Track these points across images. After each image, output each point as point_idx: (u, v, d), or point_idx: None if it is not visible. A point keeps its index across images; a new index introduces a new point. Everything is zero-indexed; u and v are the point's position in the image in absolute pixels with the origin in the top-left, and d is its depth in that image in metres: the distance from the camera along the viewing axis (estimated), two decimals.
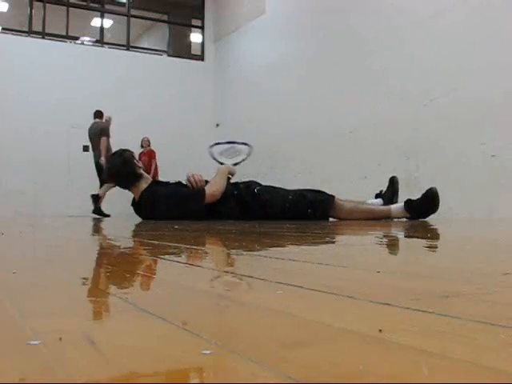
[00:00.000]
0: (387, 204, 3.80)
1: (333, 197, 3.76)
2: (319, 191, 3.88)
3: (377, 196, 4.03)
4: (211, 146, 4.38)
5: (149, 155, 9.17)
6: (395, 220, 3.67)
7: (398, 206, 3.67)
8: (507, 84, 5.92)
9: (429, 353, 0.32)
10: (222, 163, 4.16)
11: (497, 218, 5.49)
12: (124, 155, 3.78)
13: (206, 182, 3.89)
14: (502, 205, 5.88)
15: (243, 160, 4.29)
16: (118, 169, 3.73)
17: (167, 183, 3.85)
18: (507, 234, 2.37)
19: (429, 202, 3.63)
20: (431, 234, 2.19)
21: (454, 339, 0.35)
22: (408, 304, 0.47)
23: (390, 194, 3.96)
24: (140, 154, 9.27)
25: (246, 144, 4.49)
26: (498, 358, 0.31)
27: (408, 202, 3.64)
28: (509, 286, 0.62)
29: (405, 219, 3.65)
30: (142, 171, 3.77)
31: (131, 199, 3.92)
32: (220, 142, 4.53)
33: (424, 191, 3.71)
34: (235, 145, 4.48)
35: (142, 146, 9.51)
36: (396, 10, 7.48)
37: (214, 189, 3.69)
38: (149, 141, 9.51)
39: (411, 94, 7.07)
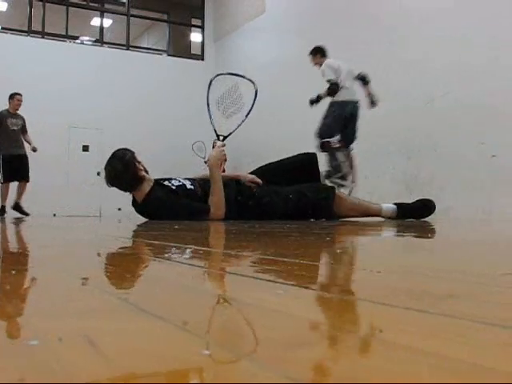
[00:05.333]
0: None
1: (333, 191, 3.70)
2: (319, 188, 3.73)
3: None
4: (213, 79, 3.89)
5: None
6: (393, 221, 3.67)
7: (388, 207, 3.72)
8: (507, 84, 5.92)
9: (429, 353, 0.32)
10: (213, 124, 3.71)
11: (497, 218, 5.50)
12: (124, 159, 3.54)
13: (205, 183, 3.65)
14: (501, 205, 5.89)
15: (238, 127, 3.72)
16: (117, 174, 3.52)
17: (170, 188, 3.60)
18: (507, 234, 2.37)
19: (422, 212, 3.72)
20: (431, 234, 2.19)
21: (454, 339, 0.35)
22: (408, 304, 0.47)
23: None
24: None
25: (251, 81, 3.90)
26: (498, 358, 0.31)
27: (400, 206, 3.71)
28: (509, 286, 0.62)
29: (391, 219, 3.71)
30: (143, 173, 3.56)
31: (131, 199, 3.83)
32: (223, 72, 4.01)
33: (421, 198, 3.83)
34: (241, 80, 3.91)
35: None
36: (396, 9, 7.48)
37: (219, 212, 3.49)
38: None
39: (411, 94, 7.07)
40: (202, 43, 12.94)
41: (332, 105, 6.27)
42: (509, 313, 0.45)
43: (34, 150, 8.28)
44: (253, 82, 3.94)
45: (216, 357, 0.32)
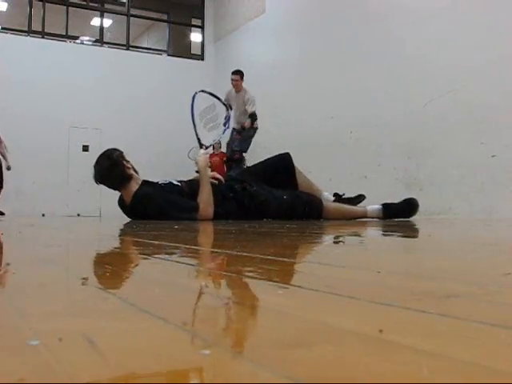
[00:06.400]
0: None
1: (321, 200, 3.92)
2: (308, 193, 3.97)
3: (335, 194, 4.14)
4: (198, 92, 4.26)
5: (220, 157, 9.17)
6: (390, 220, 3.68)
7: (374, 208, 3.87)
8: (507, 84, 5.92)
9: (429, 353, 0.32)
10: (196, 133, 4.04)
11: (497, 218, 5.50)
12: (112, 157, 3.66)
13: (192, 182, 3.81)
14: (501, 205, 5.89)
15: (214, 142, 4.24)
16: (105, 171, 3.62)
17: (159, 185, 3.74)
18: (507, 235, 2.37)
19: (407, 212, 3.85)
20: (431, 234, 2.19)
21: (454, 339, 0.35)
22: (408, 304, 0.47)
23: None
24: (211, 155, 9.38)
25: (226, 106, 4.40)
26: (498, 358, 0.31)
27: (386, 206, 3.85)
28: (509, 286, 0.63)
29: (377, 219, 3.83)
30: (131, 172, 3.65)
31: (118, 199, 3.85)
32: (206, 89, 4.41)
33: (406, 198, 3.97)
34: (217, 102, 4.36)
35: (213, 148, 9.61)
36: (396, 9, 7.48)
37: (208, 210, 3.62)
38: (220, 143, 9.47)
39: (411, 94, 7.07)
40: (202, 43, 12.93)
41: (251, 128, 8.01)
42: (509, 313, 0.45)
43: (9, 168, 9.18)
44: (227, 107, 4.43)
45: (216, 357, 0.32)
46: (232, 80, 8.16)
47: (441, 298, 0.52)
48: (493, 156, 6.06)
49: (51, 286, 0.67)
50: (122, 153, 3.75)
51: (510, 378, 0.27)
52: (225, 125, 4.32)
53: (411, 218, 3.76)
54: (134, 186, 3.64)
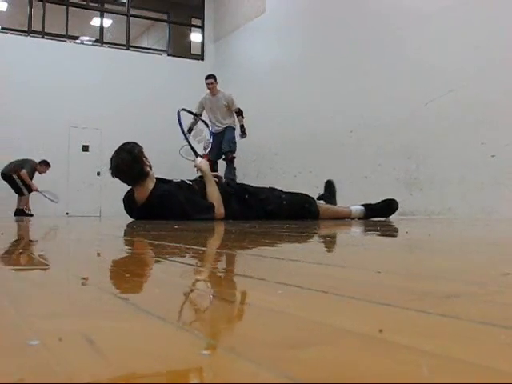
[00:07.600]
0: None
1: (314, 199, 4.07)
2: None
3: (318, 198, 4.31)
4: (181, 110, 4.44)
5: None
6: (388, 220, 3.69)
7: (357, 208, 4.02)
8: (507, 84, 5.92)
9: (429, 353, 0.32)
10: (187, 140, 4.25)
11: (497, 218, 5.49)
12: (134, 152, 3.60)
13: (196, 181, 3.91)
14: (501, 205, 5.88)
15: (206, 151, 4.45)
16: (126, 167, 3.54)
17: (174, 183, 3.77)
18: (507, 235, 2.37)
19: (386, 211, 4.04)
20: (431, 234, 2.19)
21: (454, 339, 0.35)
22: (408, 304, 0.47)
23: (329, 195, 4.27)
24: (204, 155, 9.57)
25: (206, 125, 4.66)
26: (498, 358, 0.31)
27: (367, 207, 4.03)
28: (509, 286, 0.63)
29: (358, 219, 3.99)
30: (148, 169, 3.63)
31: (121, 201, 3.84)
32: (186, 108, 4.63)
33: (385, 198, 4.13)
34: (197, 119, 4.67)
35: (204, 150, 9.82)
36: (396, 9, 7.48)
37: (221, 209, 3.70)
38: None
39: (411, 94, 7.06)
40: (202, 43, 12.93)
41: (234, 128, 8.29)
42: (509, 313, 0.45)
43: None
44: (207, 125, 4.70)
45: (216, 357, 0.32)
46: (207, 84, 8.39)
47: (441, 297, 0.52)
48: (493, 156, 6.06)
49: (51, 286, 0.67)
50: (141, 148, 3.70)
51: (510, 377, 0.27)
52: (210, 136, 4.60)
53: (411, 218, 3.78)
54: (150, 184, 3.60)
